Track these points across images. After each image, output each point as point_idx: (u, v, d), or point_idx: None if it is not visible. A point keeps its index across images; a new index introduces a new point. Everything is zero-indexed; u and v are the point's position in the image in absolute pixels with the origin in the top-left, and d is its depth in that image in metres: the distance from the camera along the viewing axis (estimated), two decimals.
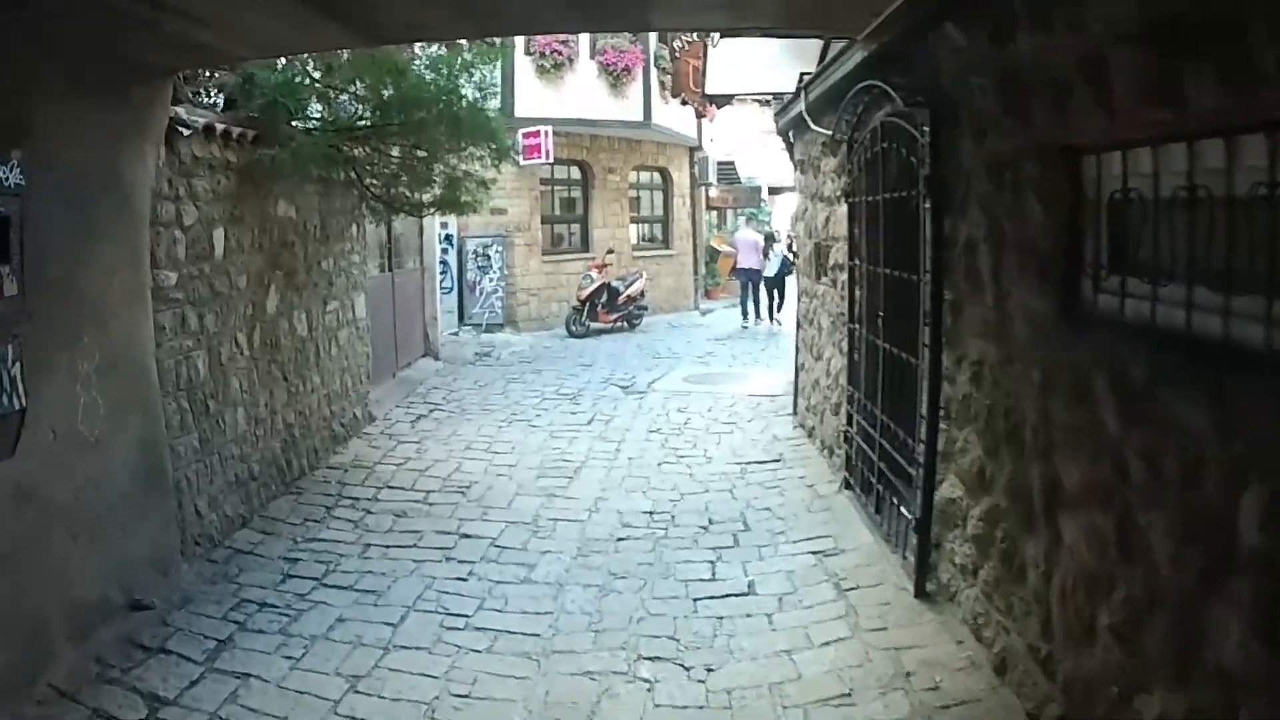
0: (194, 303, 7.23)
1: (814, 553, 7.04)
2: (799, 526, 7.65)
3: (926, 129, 5.44)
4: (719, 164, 30.70)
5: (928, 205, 5.73)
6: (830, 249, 8.74)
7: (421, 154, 9.24)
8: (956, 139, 5.26)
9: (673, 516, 8.09)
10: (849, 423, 7.85)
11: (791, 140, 10.84)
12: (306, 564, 7.15)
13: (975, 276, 5.06)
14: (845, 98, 7.17)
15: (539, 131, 19.58)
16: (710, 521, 7.92)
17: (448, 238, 19.81)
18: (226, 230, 7.76)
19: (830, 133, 7.89)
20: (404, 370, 14.76)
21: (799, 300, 11.23)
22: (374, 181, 9.62)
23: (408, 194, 9.97)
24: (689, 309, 25.83)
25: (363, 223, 11.46)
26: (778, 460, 9.67)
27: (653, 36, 21.94)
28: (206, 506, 7.34)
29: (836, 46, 7.80)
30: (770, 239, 23.57)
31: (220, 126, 7.53)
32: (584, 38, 20.76)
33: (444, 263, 19.72)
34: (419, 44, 9.04)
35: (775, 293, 22.09)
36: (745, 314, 22.40)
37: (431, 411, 12.48)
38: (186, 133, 7.02)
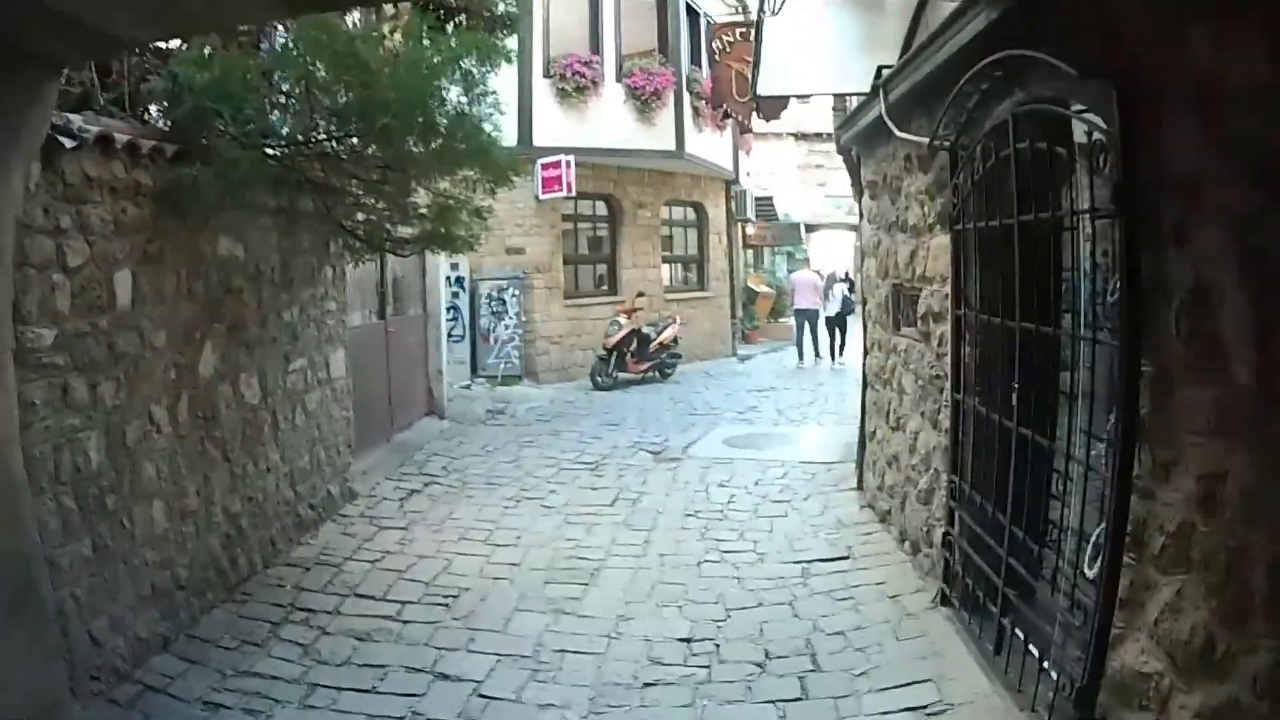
0: (82, 368, 5.51)
1: (913, 709, 5.20)
2: (887, 664, 5.80)
3: (1114, 114, 3.61)
4: (756, 200, 29.15)
5: (1092, 230, 3.99)
6: (919, 293, 6.92)
7: (392, 174, 7.49)
8: (1163, 126, 3.46)
9: (718, 646, 6.24)
10: (950, 521, 6.02)
11: (858, 158, 9.08)
12: (231, 715, 5.40)
13: (1208, 340, 3.25)
14: (952, 89, 5.37)
15: (559, 162, 17.94)
16: (767, 655, 6.07)
17: (459, 280, 18.15)
18: (136, 273, 6.05)
19: (924, 140, 6.08)
20: (402, 433, 13.07)
21: (868, 354, 9.42)
22: (349, 213, 7.94)
23: (389, 228, 8.28)
24: (726, 355, 24.07)
25: (341, 264, 9.74)
26: (846, 557, 7.83)
27: (685, 59, 20.34)
28: (107, 630, 5.61)
29: (933, 22, 6.03)
30: (832, 278, 23.66)
31: (123, 138, 5.81)
32: (609, 59, 19.21)
33: (454, 308, 18.10)
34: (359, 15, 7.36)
35: (837, 332, 22.46)
36: (801, 355, 22.71)
37: (427, 486, 10.73)
38: (70, 145, 5.31)
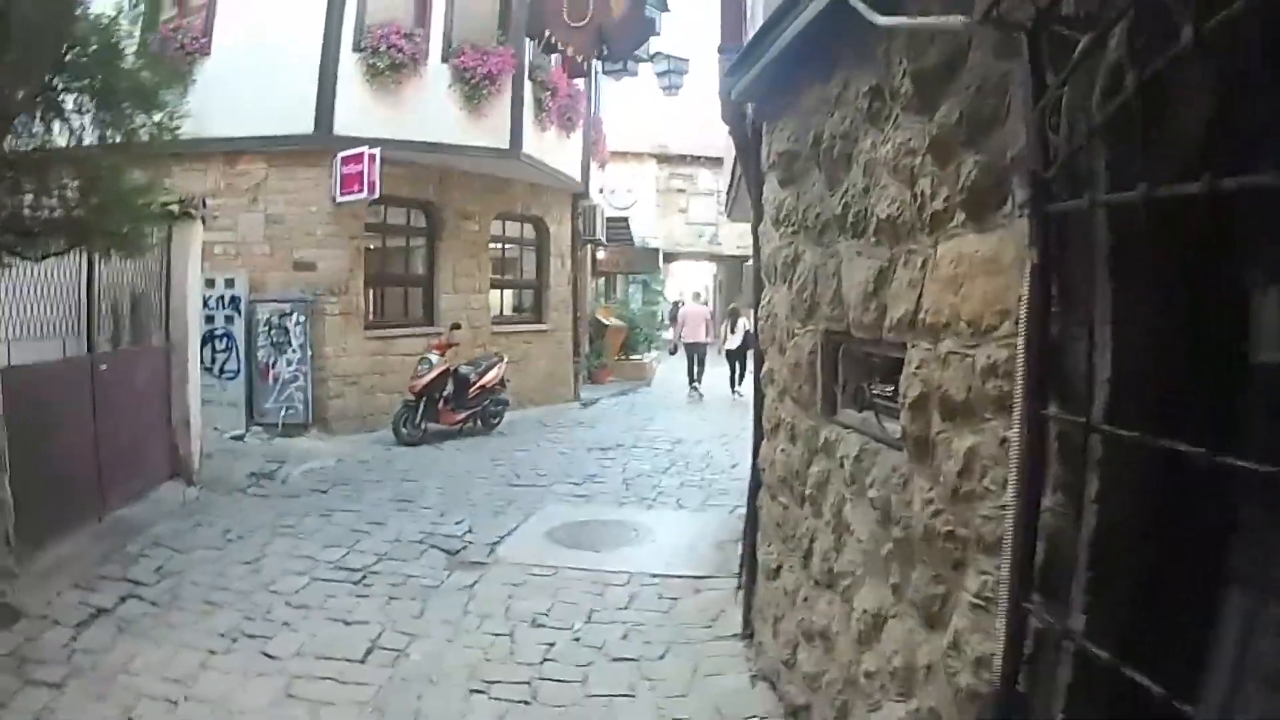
0: None
1: None
2: None
3: None
4: (609, 220, 26.07)
5: None
6: (903, 352, 3.58)
7: None
8: None
9: None
10: None
11: (756, 124, 5.89)
12: None
13: None
14: None
15: (361, 155, 14.40)
16: None
17: (233, 301, 14.55)
18: None
19: (952, 21, 2.83)
20: (127, 507, 9.66)
21: (767, 439, 6.18)
22: None
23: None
24: (567, 400, 20.85)
25: None
26: None
27: (528, 40, 16.94)
28: None
29: None
30: (735, 313, 23.46)
31: None
32: (436, 34, 15.82)
33: (227, 335, 14.55)
34: None
35: (737, 365, 22.55)
36: (691, 384, 23.33)
37: (124, 601, 7.39)
38: None
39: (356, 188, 14.50)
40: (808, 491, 4.84)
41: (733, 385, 22.40)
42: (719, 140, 39.24)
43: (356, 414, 15.66)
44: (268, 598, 7.63)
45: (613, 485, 12.27)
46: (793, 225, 5.11)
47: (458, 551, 8.97)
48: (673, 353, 26.40)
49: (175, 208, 11.04)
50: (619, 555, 8.95)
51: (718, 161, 42.06)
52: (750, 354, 21.84)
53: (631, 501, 11.37)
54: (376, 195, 14.58)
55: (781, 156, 5.21)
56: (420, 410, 14.82)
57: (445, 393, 15.28)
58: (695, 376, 23.33)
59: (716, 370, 23.92)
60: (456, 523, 9.95)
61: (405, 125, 15.38)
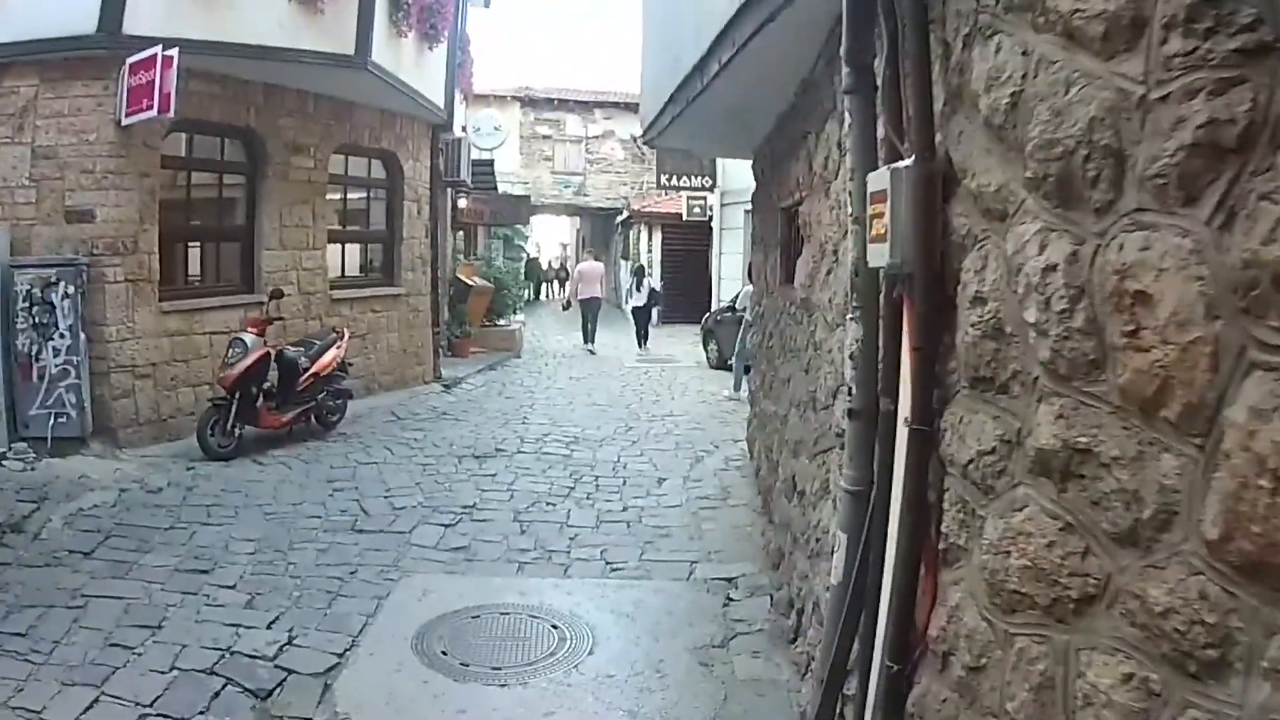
0: None
1: None
2: None
3: None
4: (473, 163, 22.58)
5: None
6: None
7: None
8: None
9: None
10: None
11: None
12: None
13: None
14: None
15: (153, 59, 10.58)
16: None
17: None
18: None
19: None
20: None
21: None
22: None
23: None
24: (425, 380, 17.38)
25: None
26: None
27: None
28: None
29: None
30: (641, 271, 26.63)
31: None
32: None
33: None
34: None
35: (644, 322, 25.08)
36: (586, 339, 25.30)
37: None
38: None
39: (145, 103, 10.61)
40: None
41: (640, 341, 24.66)
42: (589, 81, 36.89)
43: (152, 418, 11.79)
44: None
45: (502, 525, 8.90)
46: None
47: (270, 694, 5.51)
48: (566, 308, 27.82)
49: None
50: (541, 692, 5.56)
51: (587, 105, 39.39)
52: (656, 310, 26.18)
53: (535, 559, 8.03)
54: (171, 113, 10.64)
55: None
56: (234, 410, 11.11)
57: (266, 385, 11.67)
58: (589, 335, 25.10)
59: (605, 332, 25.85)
60: (270, 622, 6.47)
61: (219, 24, 11.54)
